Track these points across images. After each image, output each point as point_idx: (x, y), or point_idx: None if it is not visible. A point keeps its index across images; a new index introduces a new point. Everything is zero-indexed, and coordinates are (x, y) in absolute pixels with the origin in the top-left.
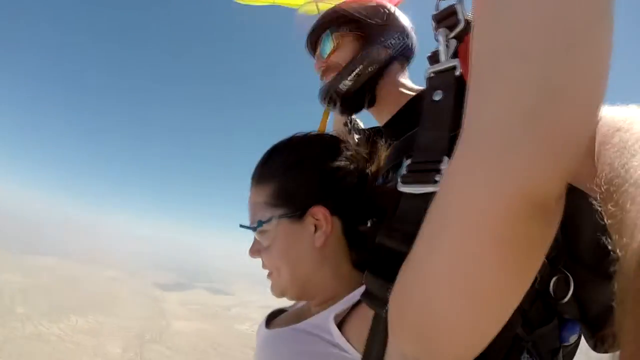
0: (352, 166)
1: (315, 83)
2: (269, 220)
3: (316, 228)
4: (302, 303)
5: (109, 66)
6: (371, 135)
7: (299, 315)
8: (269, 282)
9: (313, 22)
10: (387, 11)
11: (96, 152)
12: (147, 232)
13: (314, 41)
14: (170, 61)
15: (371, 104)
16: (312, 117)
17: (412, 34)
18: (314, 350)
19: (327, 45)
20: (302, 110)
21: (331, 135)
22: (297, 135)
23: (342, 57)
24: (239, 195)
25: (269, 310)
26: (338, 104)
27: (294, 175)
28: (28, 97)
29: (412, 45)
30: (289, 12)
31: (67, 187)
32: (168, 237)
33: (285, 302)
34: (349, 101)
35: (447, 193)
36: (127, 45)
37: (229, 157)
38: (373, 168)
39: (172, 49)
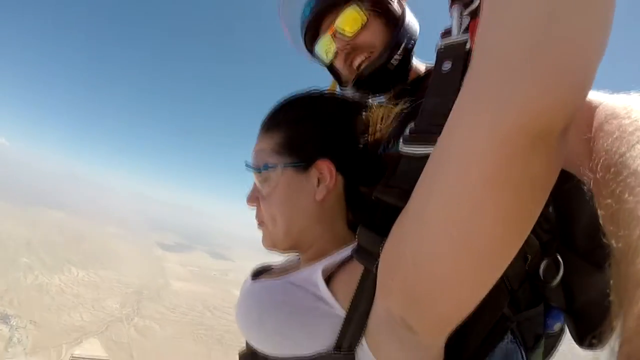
0: (363, 127)
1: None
2: (274, 166)
3: (319, 182)
4: (290, 260)
5: (121, 17)
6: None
7: (287, 271)
8: (268, 256)
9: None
10: None
11: (105, 108)
12: (151, 192)
13: (319, 21)
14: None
15: (405, 79)
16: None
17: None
18: (298, 303)
19: (355, 20)
20: (307, 68)
21: (346, 96)
22: (313, 90)
23: (376, 34)
24: (245, 160)
25: None
26: (375, 84)
27: (305, 127)
28: (35, 52)
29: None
30: None
31: (74, 142)
32: (172, 198)
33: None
34: (392, 78)
35: (446, 135)
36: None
37: (236, 120)
38: (382, 132)
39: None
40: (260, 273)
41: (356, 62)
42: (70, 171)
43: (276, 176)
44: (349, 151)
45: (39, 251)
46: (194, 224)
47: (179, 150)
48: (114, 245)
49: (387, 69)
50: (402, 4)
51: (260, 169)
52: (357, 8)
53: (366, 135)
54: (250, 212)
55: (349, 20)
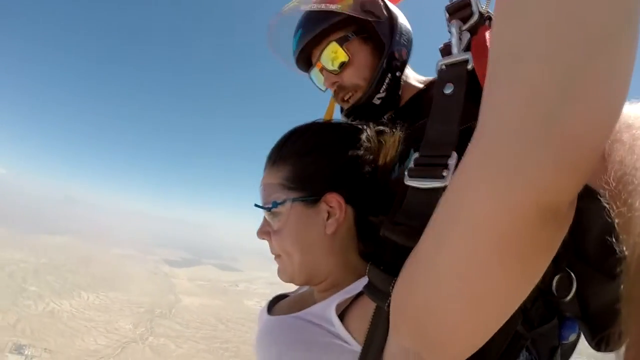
0: (370, 157)
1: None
2: (283, 202)
3: (329, 215)
4: (305, 288)
5: (120, 37)
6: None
7: (302, 302)
8: (276, 265)
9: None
10: (384, 3)
11: (103, 130)
12: (151, 209)
13: (308, 52)
14: (180, 46)
15: (397, 105)
16: (313, 106)
17: (406, 22)
18: (315, 340)
19: (336, 58)
20: (305, 97)
21: (350, 124)
22: (317, 121)
23: (360, 71)
24: (247, 172)
25: (277, 287)
26: (368, 116)
27: (312, 160)
28: (28, 72)
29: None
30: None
31: (68, 164)
32: (172, 213)
33: (291, 286)
34: (381, 110)
35: (458, 191)
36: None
37: (241, 135)
38: (387, 159)
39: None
40: (276, 301)
41: (345, 97)
42: (67, 194)
43: (286, 211)
44: (357, 182)
45: (47, 278)
46: (198, 238)
47: (174, 167)
48: (121, 265)
49: (373, 104)
50: (391, 18)
51: (269, 207)
52: (337, 46)
53: (374, 163)
54: (253, 221)
55: (330, 59)
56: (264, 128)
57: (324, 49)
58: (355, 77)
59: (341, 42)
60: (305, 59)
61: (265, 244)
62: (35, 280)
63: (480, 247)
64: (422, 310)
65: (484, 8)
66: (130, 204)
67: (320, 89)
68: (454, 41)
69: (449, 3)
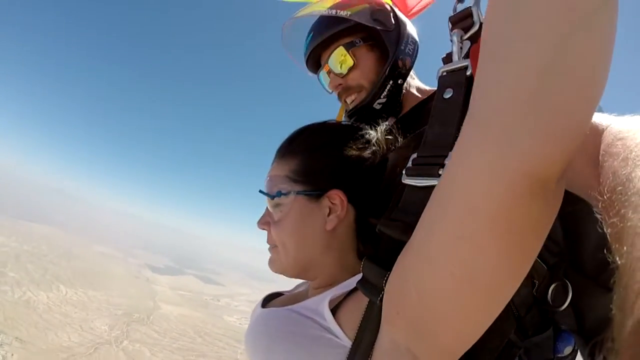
0: (376, 160)
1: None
2: (287, 193)
3: (330, 211)
4: (300, 288)
5: (115, 37)
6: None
7: (296, 300)
8: (259, 283)
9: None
10: (394, 13)
11: (97, 126)
12: (142, 214)
13: (318, 54)
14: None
15: (399, 112)
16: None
17: (414, 31)
18: (305, 332)
19: (344, 62)
20: (297, 107)
21: (360, 127)
22: (329, 121)
23: (364, 74)
24: (238, 187)
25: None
26: (368, 119)
27: (320, 156)
28: (27, 63)
29: (418, 43)
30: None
31: (63, 158)
32: (162, 220)
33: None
34: (380, 115)
35: (449, 175)
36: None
37: (230, 147)
38: (392, 163)
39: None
40: (270, 299)
41: (348, 100)
42: (58, 187)
43: (288, 203)
44: (361, 182)
45: (27, 266)
46: (184, 248)
47: (170, 173)
48: (103, 264)
49: (373, 108)
50: (399, 27)
51: (273, 195)
52: (344, 50)
53: (379, 166)
54: (242, 238)
55: (337, 62)
56: (265, 144)
57: (332, 52)
58: (360, 79)
59: (348, 47)
60: (315, 61)
61: (249, 261)
62: (15, 266)
63: (473, 223)
64: (415, 300)
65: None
66: (121, 204)
67: (327, 91)
68: (455, 49)
69: (451, 14)
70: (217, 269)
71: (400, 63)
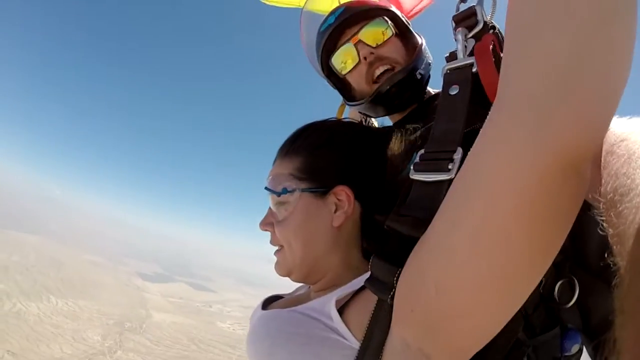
0: (380, 155)
1: (313, 84)
2: (292, 190)
3: (336, 208)
4: (301, 291)
5: (121, 39)
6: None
7: (298, 301)
8: (251, 288)
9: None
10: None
11: (89, 134)
12: (130, 220)
13: (341, 30)
14: (161, 56)
15: (422, 99)
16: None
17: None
18: (310, 333)
19: (384, 31)
20: (285, 107)
21: (363, 124)
22: (331, 118)
23: (399, 49)
24: (227, 191)
25: (252, 310)
26: (394, 99)
27: (324, 153)
28: (20, 74)
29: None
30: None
31: (53, 165)
32: (151, 227)
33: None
34: (412, 93)
35: (473, 165)
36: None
37: (220, 152)
38: (397, 159)
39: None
40: (270, 301)
41: (378, 72)
42: (45, 195)
43: (294, 200)
44: (366, 179)
45: (16, 277)
46: (174, 254)
47: (160, 179)
48: (93, 273)
49: (412, 80)
50: (413, 35)
51: (279, 192)
52: (385, 22)
53: (384, 162)
54: (232, 243)
55: (376, 31)
56: (257, 149)
57: (368, 23)
58: (395, 53)
59: (387, 20)
60: (337, 36)
61: (240, 266)
62: (4, 278)
63: (501, 213)
64: (433, 295)
65: (488, 18)
66: (108, 211)
67: (338, 74)
68: (460, 47)
69: (455, 13)
70: (208, 275)
71: (426, 56)
